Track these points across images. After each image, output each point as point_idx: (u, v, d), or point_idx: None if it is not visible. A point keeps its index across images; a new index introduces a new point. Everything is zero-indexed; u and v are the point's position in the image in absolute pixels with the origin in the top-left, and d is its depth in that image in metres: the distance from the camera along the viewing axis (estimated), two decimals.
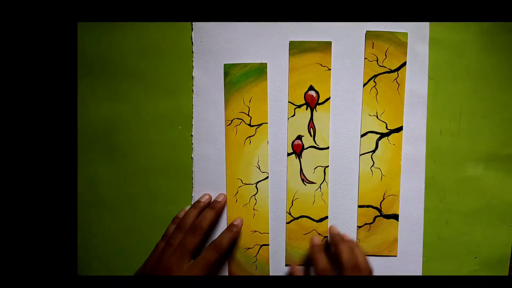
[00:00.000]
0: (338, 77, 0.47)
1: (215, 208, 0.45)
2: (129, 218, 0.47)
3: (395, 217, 0.47)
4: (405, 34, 0.46)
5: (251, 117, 0.47)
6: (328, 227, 0.47)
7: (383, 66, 0.46)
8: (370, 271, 0.43)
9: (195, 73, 0.47)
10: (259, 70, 0.46)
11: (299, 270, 0.46)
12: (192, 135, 0.47)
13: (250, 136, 0.47)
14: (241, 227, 0.46)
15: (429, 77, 0.47)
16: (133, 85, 0.47)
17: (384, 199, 0.47)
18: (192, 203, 0.47)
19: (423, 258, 0.47)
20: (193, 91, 0.47)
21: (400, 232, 0.47)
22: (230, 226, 0.45)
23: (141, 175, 0.47)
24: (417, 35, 0.46)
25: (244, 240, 0.47)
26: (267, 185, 0.47)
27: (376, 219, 0.47)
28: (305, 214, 0.47)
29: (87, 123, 0.47)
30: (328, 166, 0.47)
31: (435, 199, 0.47)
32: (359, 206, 0.47)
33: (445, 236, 0.47)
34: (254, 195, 0.47)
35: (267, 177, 0.47)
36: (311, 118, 0.47)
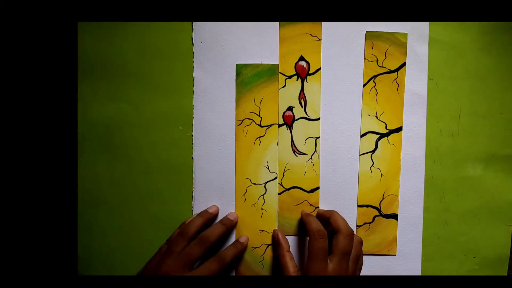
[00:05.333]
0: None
1: (226, 224, 0.45)
2: (129, 218, 0.47)
3: (395, 216, 0.47)
4: (405, 35, 0.46)
5: (261, 117, 0.47)
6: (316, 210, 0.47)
7: (382, 67, 0.47)
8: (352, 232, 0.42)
9: (195, 73, 0.47)
10: (271, 71, 0.46)
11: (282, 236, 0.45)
12: (192, 135, 0.47)
13: (260, 137, 0.47)
14: (246, 245, 0.46)
15: (428, 77, 0.47)
16: (134, 85, 0.47)
17: (383, 198, 0.47)
18: (193, 207, 0.47)
19: (422, 258, 0.48)
20: (193, 91, 0.47)
21: (399, 231, 0.47)
22: (236, 242, 0.46)
23: (142, 175, 0.47)
24: (417, 35, 0.46)
25: (252, 239, 0.47)
26: (275, 186, 0.47)
27: (376, 218, 0.47)
28: (297, 185, 0.47)
29: (87, 123, 0.47)
30: (319, 137, 0.47)
31: (434, 199, 0.47)
32: (359, 206, 0.47)
33: (444, 235, 0.48)
34: (263, 195, 0.47)
35: (276, 178, 0.47)
36: (302, 89, 0.47)
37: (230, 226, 0.45)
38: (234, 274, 0.47)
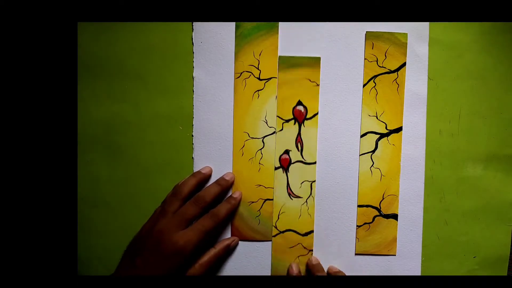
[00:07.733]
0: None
1: (221, 185, 0.45)
2: (130, 217, 0.47)
3: (395, 216, 0.47)
4: (405, 35, 0.46)
5: (260, 70, 0.46)
6: (310, 258, 0.47)
7: (383, 67, 0.47)
8: None
9: (195, 73, 0.47)
10: (271, 24, 0.46)
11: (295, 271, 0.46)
12: (192, 135, 0.47)
13: (258, 90, 0.46)
14: (239, 200, 0.46)
15: (428, 77, 0.47)
16: (133, 85, 0.47)
17: (383, 199, 0.47)
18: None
19: (422, 258, 0.48)
20: (193, 91, 0.47)
21: (399, 231, 0.47)
22: (229, 198, 0.46)
23: (142, 175, 0.47)
24: (417, 35, 0.46)
25: (249, 194, 0.47)
26: (274, 140, 0.47)
27: (376, 218, 0.47)
28: (291, 228, 0.47)
29: (87, 123, 0.47)
30: (314, 181, 0.47)
31: (434, 199, 0.47)
32: (359, 206, 0.47)
33: (444, 235, 0.48)
34: (261, 149, 0.47)
35: (274, 132, 0.47)
36: (299, 133, 0.47)
37: (226, 186, 0.46)
38: (230, 230, 0.47)
